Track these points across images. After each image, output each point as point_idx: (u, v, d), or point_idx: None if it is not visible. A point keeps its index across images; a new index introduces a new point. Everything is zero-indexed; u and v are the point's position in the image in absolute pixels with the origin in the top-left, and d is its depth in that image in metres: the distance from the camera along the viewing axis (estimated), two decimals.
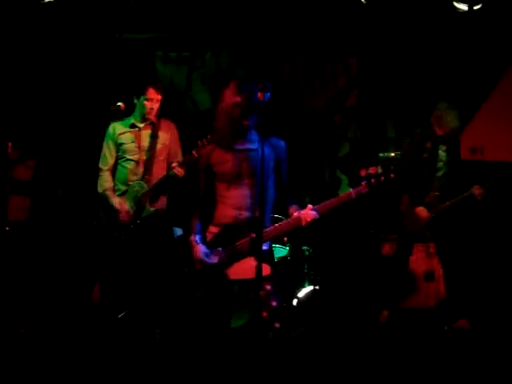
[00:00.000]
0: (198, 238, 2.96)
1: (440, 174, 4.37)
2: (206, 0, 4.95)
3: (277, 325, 2.79)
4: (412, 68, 5.31)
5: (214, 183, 2.97)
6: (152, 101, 4.10)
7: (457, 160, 4.39)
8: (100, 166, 4.16)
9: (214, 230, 2.95)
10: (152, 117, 4.13)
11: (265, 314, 2.78)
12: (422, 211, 4.33)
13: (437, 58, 5.22)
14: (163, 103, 4.21)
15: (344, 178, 5.52)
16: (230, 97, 2.89)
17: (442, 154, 4.36)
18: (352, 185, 5.46)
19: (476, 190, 4.22)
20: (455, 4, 4.40)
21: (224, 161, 2.93)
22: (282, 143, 2.99)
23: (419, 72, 5.29)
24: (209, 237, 2.97)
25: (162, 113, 4.29)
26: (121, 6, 4.73)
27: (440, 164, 4.36)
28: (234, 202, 2.88)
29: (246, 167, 2.89)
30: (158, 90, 4.12)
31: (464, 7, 4.39)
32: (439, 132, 4.33)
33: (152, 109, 4.10)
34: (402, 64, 5.34)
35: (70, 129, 5.15)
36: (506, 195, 4.75)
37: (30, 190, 4.98)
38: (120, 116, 4.19)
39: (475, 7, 4.38)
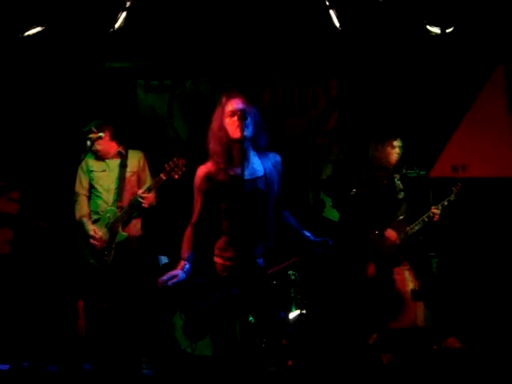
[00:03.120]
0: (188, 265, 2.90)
1: (399, 198, 4.60)
2: (186, 28, 5.01)
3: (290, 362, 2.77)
4: (391, 88, 5.38)
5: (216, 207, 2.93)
6: (91, 140, 4.20)
7: (410, 185, 4.68)
8: (76, 189, 4.27)
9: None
10: (101, 154, 4.24)
11: (284, 341, 2.76)
12: (391, 234, 4.53)
13: (414, 78, 5.30)
14: (145, 132, 4.27)
15: (328, 200, 5.54)
16: (222, 110, 2.86)
17: (397, 182, 4.64)
18: (336, 207, 5.49)
19: (433, 211, 4.49)
20: (428, 27, 4.51)
21: (226, 189, 2.86)
22: (279, 158, 3.00)
23: (398, 92, 5.36)
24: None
25: (143, 143, 4.38)
26: (102, 35, 4.77)
27: (397, 190, 4.61)
28: (238, 236, 2.83)
29: (254, 199, 2.84)
30: (91, 128, 4.23)
31: (437, 30, 4.50)
32: (390, 165, 4.62)
33: (95, 146, 4.21)
34: (382, 84, 5.41)
35: (53, 159, 5.15)
36: (470, 210, 4.91)
37: (15, 222, 4.96)
38: None
39: (447, 30, 4.49)
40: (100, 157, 4.27)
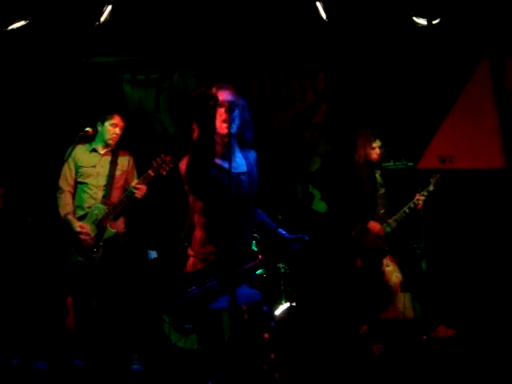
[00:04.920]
0: None
1: (380, 193, 4.65)
2: (172, 21, 4.98)
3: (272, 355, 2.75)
4: (379, 81, 5.40)
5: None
6: (116, 126, 4.23)
7: (392, 180, 4.70)
8: (60, 184, 4.21)
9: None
10: (114, 142, 4.23)
11: (266, 336, 2.75)
12: (374, 225, 4.58)
13: (401, 70, 5.32)
14: (132, 126, 4.25)
15: (316, 193, 5.55)
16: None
17: (378, 177, 4.68)
18: (325, 199, 5.51)
19: (417, 198, 4.55)
20: (415, 19, 4.52)
21: (212, 180, 2.76)
22: (255, 154, 2.92)
23: (386, 84, 5.38)
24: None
25: (130, 137, 4.37)
26: (87, 29, 4.73)
27: (378, 185, 4.66)
28: (217, 230, 2.76)
29: (239, 194, 2.77)
30: (123, 117, 4.26)
31: (423, 22, 4.52)
32: (370, 163, 4.65)
33: (116, 134, 4.23)
34: (369, 77, 5.42)
35: (38, 155, 5.10)
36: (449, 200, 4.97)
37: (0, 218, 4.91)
38: (88, 141, 4.22)
39: (434, 22, 4.51)
40: (105, 142, 4.23)
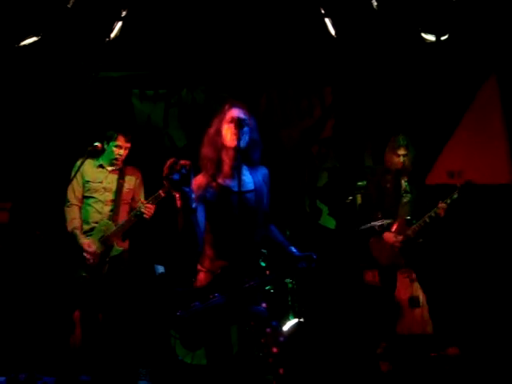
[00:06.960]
0: None
1: (405, 200, 4.53)
2: (181, 37, 5.02)
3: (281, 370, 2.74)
4: (386, 96, 5.41)
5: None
6: (121, 148, 4.23)
7: (419, 189, 4.57)
8: (68, 197, 4.22)
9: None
10: (119, 163, 4.24)
11: (275, 350, 2.74)
12: (389, 237, 4.44)
13: (409, 85, 5.33)
14: (140, 141, 4.26)
15: (324, 209, 5.54)
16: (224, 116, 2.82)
17: (404, 183, 4.57)
18: (332, 214, 5.50)
19: (440, 206, 4.33)
20: (423, 35, 4.54)
21: (218, 201, 2.79)
22: (267, 171, 2.95)
23: (393, 99, 5.39)
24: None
25: (139, 151, 4.38)
26: (97, 44, 4.78)
27: (402, 192, 4.54)
28: (226, 248, 2.80)
29: (244, 212, 2.77)
30: (128, 138, 4.25)
31: (431, 38, 4.53)
32: (397, 169, 4.53)
33: (120, 155, 4.23)
34: (377, 92, 5.44)
35: (47, 168, 5.13)
36: (469, 211, 4.83)
37: (5, 232, 4.93)
38: (96, 156, 4.24)
39: (442, 38, 4.52)
40: (110, 161, 4.24)
